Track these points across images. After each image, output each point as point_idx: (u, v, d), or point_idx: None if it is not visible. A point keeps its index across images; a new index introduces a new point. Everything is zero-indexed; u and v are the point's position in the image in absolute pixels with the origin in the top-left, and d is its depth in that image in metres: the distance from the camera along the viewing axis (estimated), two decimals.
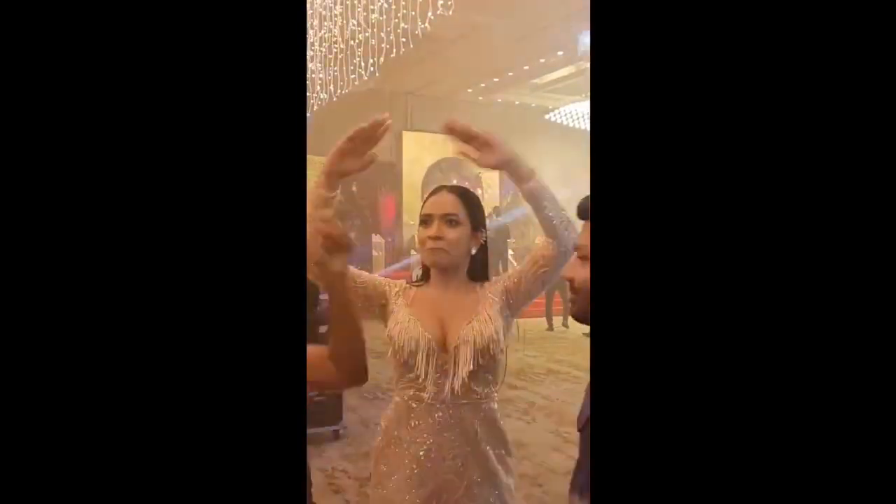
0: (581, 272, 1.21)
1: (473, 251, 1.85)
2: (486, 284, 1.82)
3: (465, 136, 1.70)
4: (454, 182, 10.04)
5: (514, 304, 1.88)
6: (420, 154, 9.85)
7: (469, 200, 1.89)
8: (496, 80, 9.24)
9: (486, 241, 1.89)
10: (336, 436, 3.95)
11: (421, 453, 1.63)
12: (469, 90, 9.46)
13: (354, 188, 8.84)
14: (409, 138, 9.73)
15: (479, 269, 1.90)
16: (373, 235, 9.24)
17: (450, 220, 1.83)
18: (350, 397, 4.95)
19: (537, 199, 1.81)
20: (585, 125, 9.83)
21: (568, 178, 5.54)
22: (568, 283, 1.27)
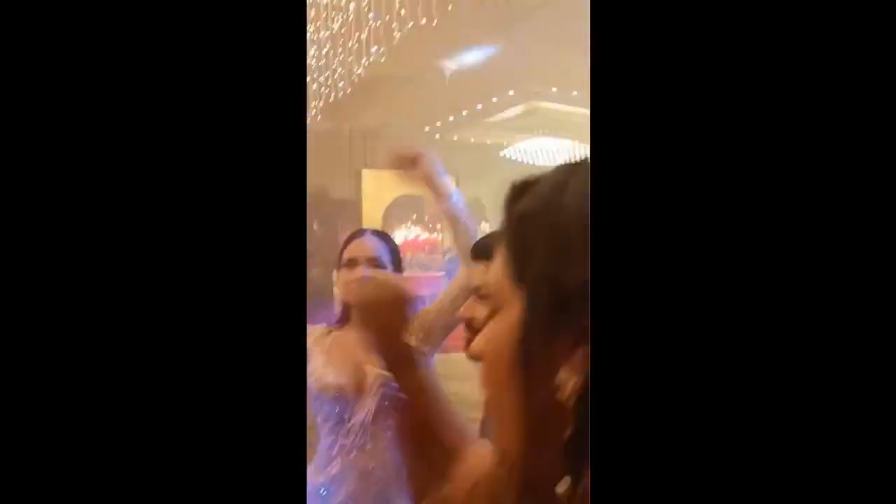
0: (479, 311, 1.22)
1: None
2: None
3: (400, 161, 1.81)
4: (414, 218, 10.18)
5: (431, 341, 1.89)
6: (379, 192, 9.89)
7: (389, 244, 1.92)
8: (451, 118, 9.39)
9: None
10: None
11: (340, 501, 1.62)
12: (426, 128, 9.59)
13: (315, 226, 8.89)
14: (368, 176, 9.79)
15: None
16: (334, 273, 9.04)
17: (374, 264, 1.85)
18: None
19: (454, 220, 1.82)
20: (537, 160, 10.07)
21: None
22: (465, 323, 1.26)
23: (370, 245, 1.93)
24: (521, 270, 0.65)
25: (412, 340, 1.12)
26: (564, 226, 0.64)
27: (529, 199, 0.67)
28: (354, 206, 9.00)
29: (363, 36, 5.31)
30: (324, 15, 5.37)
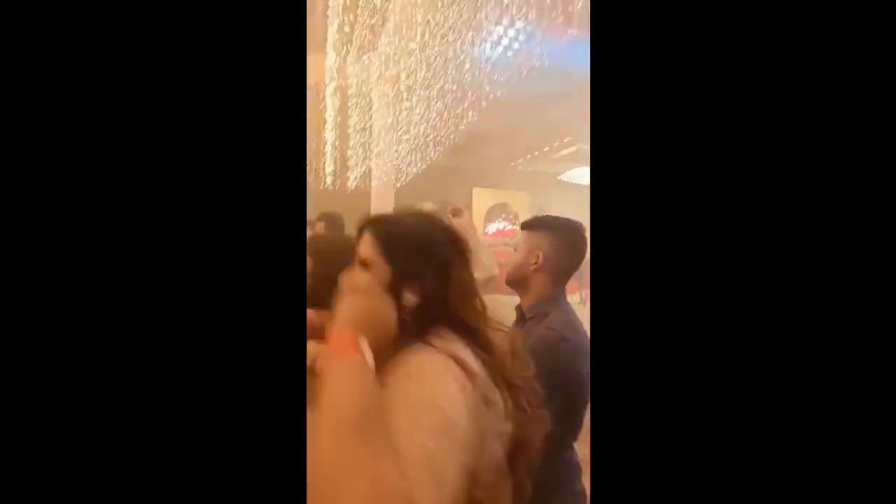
0: (512, 257, 1.72)
1: None
2: None
3: (452, 210, 2.05)
4: (502, 217, 11.95)
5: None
6: (486, 203, 11.66)
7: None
8: (529, 156, 11.05)
9: None
10: None
11: None
12: (513, 163, 11.35)
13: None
14: (477, 192, 11.70)
15: None
16: None
17: None
18: None
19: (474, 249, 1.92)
20: (581, 181, 11.23)
21: (569, 213, 7.51)
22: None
23: None
24: (390, 256, 0.93)
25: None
26: (406, 243, 0.90)
27: (385, 226, 0.95)
28: (468, 209, 11.13)
29: (465, 107, 6.48)
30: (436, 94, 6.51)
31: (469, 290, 0.95)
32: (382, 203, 8.94)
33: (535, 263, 1.67)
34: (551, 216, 1.71)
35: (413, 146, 8.17)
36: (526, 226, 1.73)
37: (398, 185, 9.17)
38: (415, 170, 8.65)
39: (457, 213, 2.10)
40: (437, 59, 6.16)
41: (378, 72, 8.21)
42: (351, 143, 8.91)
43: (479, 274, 1.77)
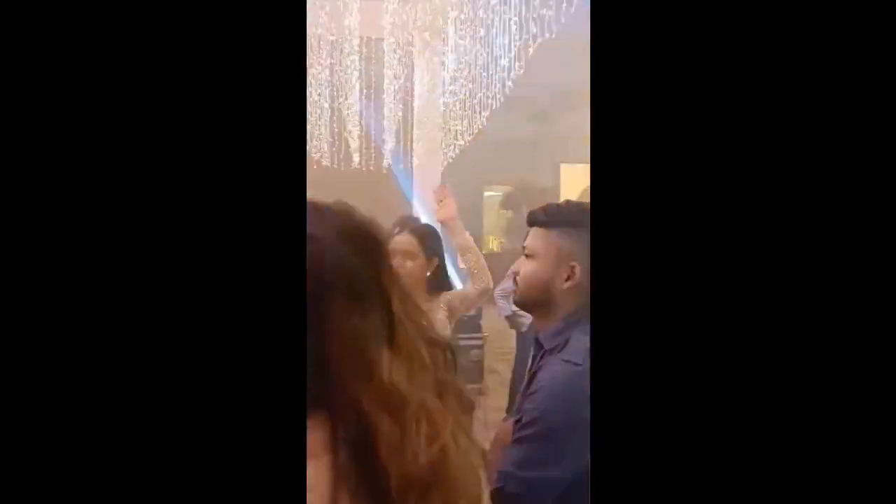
0: (524, 267, 1.35)
1: (428, 273, 2.12)
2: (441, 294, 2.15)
3: (436, 194, 2.04)
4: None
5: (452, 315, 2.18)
6: (578, 184, 10.02)
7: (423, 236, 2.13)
8: None
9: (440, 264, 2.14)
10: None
11: None
12: None
13: (524, 209, 9.26)
14: (566, 171, 10.13)
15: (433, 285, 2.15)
16: None
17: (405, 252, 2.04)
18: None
19: (463, 253, 2.16)
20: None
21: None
22: (514, 275, 1.37)
23: (402, 239, 2.09)
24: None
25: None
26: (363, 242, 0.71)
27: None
28: (554, 192, 9.41)
29: (511, 56, 5.84)
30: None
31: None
32: (425, 188, 7.05)
33: (569, 279, 1.26)
34: (569, 204, 1.28)
35: (461, 113, 6.70)
36: (539, 221, 1.29)
37: (445, 162, 7.37)
38: (461, 142, 7.03)
39: (440, 195, 1.95)
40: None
41: (416, 19, 6.78)
42: (385, 114, 7.21)
43: (475, 286, 1.98)
